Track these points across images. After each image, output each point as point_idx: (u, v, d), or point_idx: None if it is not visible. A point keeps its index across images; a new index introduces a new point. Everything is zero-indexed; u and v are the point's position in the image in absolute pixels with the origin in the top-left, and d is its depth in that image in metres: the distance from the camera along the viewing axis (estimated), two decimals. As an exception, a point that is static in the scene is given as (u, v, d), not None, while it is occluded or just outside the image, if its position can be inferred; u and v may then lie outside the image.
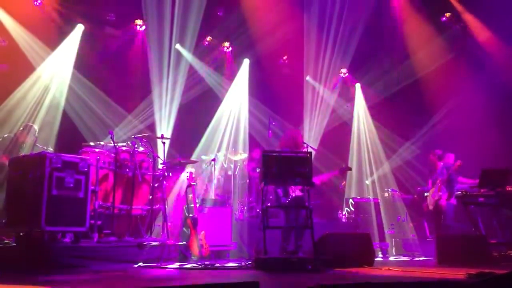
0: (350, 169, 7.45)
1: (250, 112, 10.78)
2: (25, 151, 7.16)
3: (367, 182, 10.57)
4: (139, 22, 9.91)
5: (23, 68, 8.73)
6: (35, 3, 8.87)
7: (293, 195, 6.40)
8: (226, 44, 10.86)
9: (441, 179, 8.37)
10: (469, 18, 10.68)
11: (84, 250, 5.74)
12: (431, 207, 8.51)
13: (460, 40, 10.85)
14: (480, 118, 10.12)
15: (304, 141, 7.03)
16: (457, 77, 10.73)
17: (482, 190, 7.25)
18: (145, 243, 6.29)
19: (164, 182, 7.14)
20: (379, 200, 9.22)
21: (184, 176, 7.67)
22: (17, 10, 8.68)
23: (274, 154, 6.15)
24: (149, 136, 7.51)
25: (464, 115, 10.36)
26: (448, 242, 6.86)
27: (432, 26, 10.83)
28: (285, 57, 11.47)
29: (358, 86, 11.77)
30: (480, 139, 8.47)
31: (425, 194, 9.64)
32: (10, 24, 8.68)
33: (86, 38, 9.39)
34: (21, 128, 7.48)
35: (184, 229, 6.97)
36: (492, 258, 6.45)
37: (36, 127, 7.58)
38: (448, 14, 10.80)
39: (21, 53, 8.73)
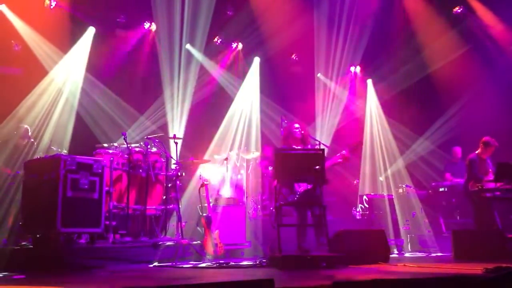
0: (360, 143, 6.86)
1: (262, 111, 10.76)
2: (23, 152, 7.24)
3: (381, 178, 10.49)
4: (149, 23, 9.95)
5: (36, 71, 8.82)
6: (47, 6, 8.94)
7: (301, 190, 6.28)
8: (236, 43, 10.86)
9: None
10: (482, 10, 10.54)
11: (99, 250, 5.79)
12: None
13: (473, 33, 10.71)
14: (494, 112, 9.99)
15: (302, 133, 6.60)
16: (471, 70, 10.59)
17: (498, 184, 7.15)
18: (160, 243, 6.33)
19: (178, 182, 7.17)
20: (393, 196, 9.15)
21: (197, 175, 7.70)
22: (29, 15, 8.77)
23: (287, 151, 6.13)
24: (162, 136, 7.55)
25: (479, 109, 10.22)
26: (465, 237, 6.78)
27: (444, 19, 10.70)
28: (295, 55, 11.41)
29: (370, 82, 11.69)
30: (495, 133, 8.35)
31: (441, 189, 9.57)
32: (23, 28, 8.78)
33: (97, 41, 9.46)
34: (14, 132, 7.51)
35: (198, 228, 6.99)
36: (509, 252, 6.35)
37: (25, 126, 7.60)
38: (459, 7, 10.67)
39: (34, 57, 8.83)
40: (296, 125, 6.62)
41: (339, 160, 6.49)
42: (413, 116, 11.02)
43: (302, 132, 6.60)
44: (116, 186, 6.62)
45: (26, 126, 7.65)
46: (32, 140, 7.64)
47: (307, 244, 6.25)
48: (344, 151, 6.53)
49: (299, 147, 6.53)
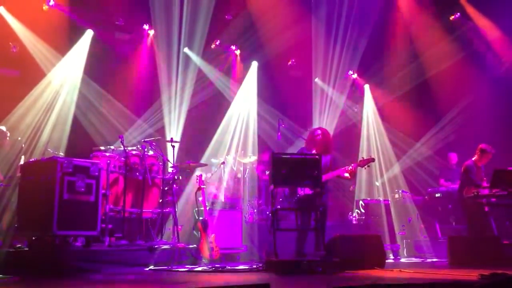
0: (373, 160, 6.48)
1: (259, 115, 10.77)
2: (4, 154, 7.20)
3: (377, 183, 10.51)
4: (147, 27, 9.96)
5: (33, 74, 8.81)
6: (45, 6, 8.92)
7: (302, 193, 6.30)
8: (234, 47, 10.88)
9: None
10: (478, 17, 10.60)
11: (95, 253, 5.78)
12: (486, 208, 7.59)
13: (470, 39, 10.76)
14: (490, 118, 10.03)
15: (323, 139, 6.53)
16: (467, 76, 10.64)
17: (494, 191, 7.17)
18: (156, 246, 6.32)
19: (174, 186, 7.16)
20: (389, 202, 9.17)
21: (193, 179, 7.69)
22: (27, 17, 8.76)
23: (283, 156, 6.13)
24: (159, 139, 7.55)
25: (475, 115, 10.27)
26: (460, 243, 6.79)
27: (441, 26, 10.76)
28: (293, 59, 11.43)
29: (367, 87, 11.73)
30: (491, 139, 8.39)
31: (437, 195, 9.59)
32: (21, 30, 8.77)
33: (95, 43, 9.46)
34: None
35: (195, 232, 6.98)
36: (505, 259, 6.37)
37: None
38: (456, 14, 10.72)
39: (31, 59, 8.81)
40: (318, 131, 6.64)
41: (345, 174, 6.41)
42: (410, 121, 11.05)
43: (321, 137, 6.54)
44: (112, 189, 6.61)
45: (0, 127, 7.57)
46: (22, 140, 7.58)
47: (307, 249, 6.25)
48: (352, 165, 6.43)
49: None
